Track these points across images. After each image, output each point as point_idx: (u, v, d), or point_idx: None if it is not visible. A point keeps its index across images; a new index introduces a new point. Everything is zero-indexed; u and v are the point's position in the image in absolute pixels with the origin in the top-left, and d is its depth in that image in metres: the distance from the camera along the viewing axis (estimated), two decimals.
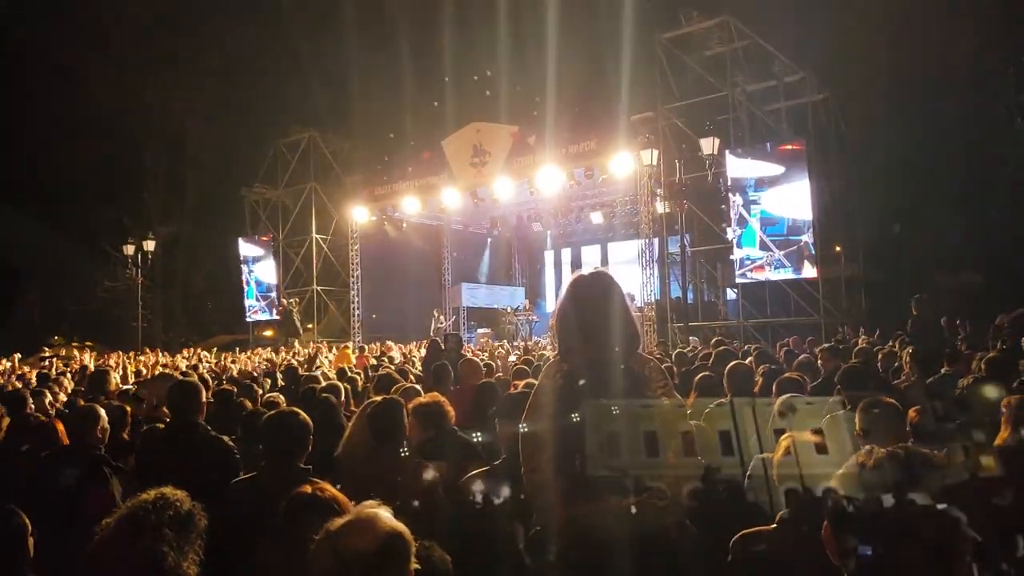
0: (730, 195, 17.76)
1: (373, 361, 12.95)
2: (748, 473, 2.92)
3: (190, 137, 31.99)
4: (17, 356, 14.25)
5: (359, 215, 23.85)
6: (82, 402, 5.80)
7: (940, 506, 1.48)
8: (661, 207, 18.95)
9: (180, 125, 31.66)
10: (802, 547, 2.07)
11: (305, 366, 10.91)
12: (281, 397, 5.97)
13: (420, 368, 9.88)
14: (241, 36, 29.63)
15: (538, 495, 2.81)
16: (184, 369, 11.89)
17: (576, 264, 27.71)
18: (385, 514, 1.85)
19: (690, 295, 19.56)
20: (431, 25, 24.89)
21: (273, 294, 26.98)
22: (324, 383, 6.48)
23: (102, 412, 4.39)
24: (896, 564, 1.49)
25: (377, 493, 2.03)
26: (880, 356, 8.07)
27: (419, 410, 4.00)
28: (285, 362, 13.42)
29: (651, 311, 18.16)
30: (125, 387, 8.04)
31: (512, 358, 12.01)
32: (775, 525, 2.60)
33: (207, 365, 14.19)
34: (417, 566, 1.84)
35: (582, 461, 2.65)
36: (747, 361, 6.60)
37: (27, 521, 2.66)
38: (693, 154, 17.63)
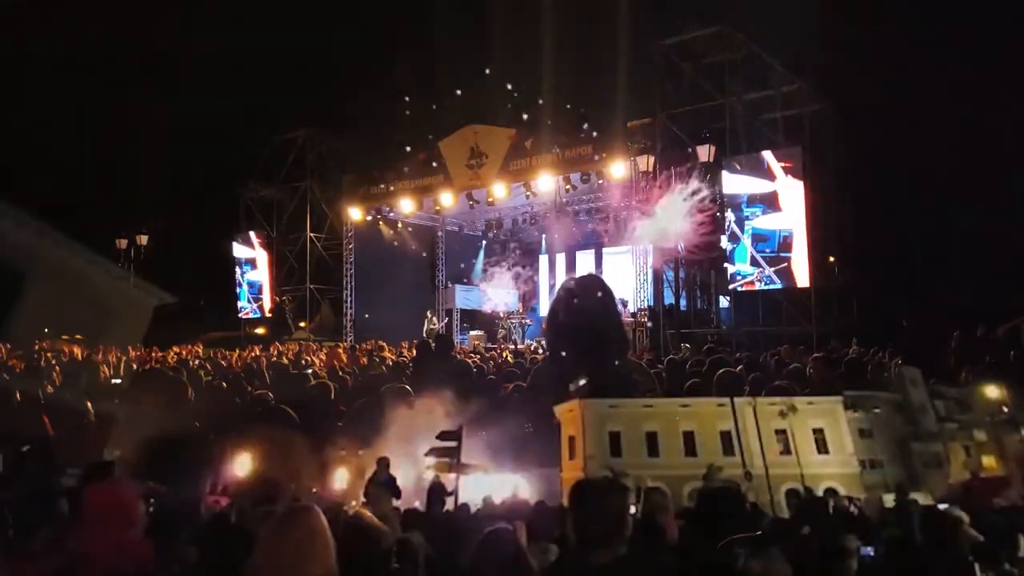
0: (724, 212, 17.79)
1: (365, 361, 12.93)
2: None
3: (185, 133, 31.84)
4: (7, 347, 14.18)
5: (354, 214, 23.81)
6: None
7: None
8: None
9: (175, 121, 31.50)
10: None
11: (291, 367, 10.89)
12: (270, 394, 5.96)
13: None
14: (239, 34, 29.54)
15: None
16: (174, 365, 11.85)
17: (570, 268, 27.70)
18: None
19: (683, 302, 19.56)
20: (431, 27, 24.89)
21: (264, 295, 26.89)
22: (314, 381, 6.47)
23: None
24: None
25: None
26: (869, 367, 8.11)
27: None
28: (273, 360, 13.39)
29: (644, 317, 18.16)
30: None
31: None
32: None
33: (198, 361, 14.14)
34: None
35: None
36: (737, 369, 6.63)
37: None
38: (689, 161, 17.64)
